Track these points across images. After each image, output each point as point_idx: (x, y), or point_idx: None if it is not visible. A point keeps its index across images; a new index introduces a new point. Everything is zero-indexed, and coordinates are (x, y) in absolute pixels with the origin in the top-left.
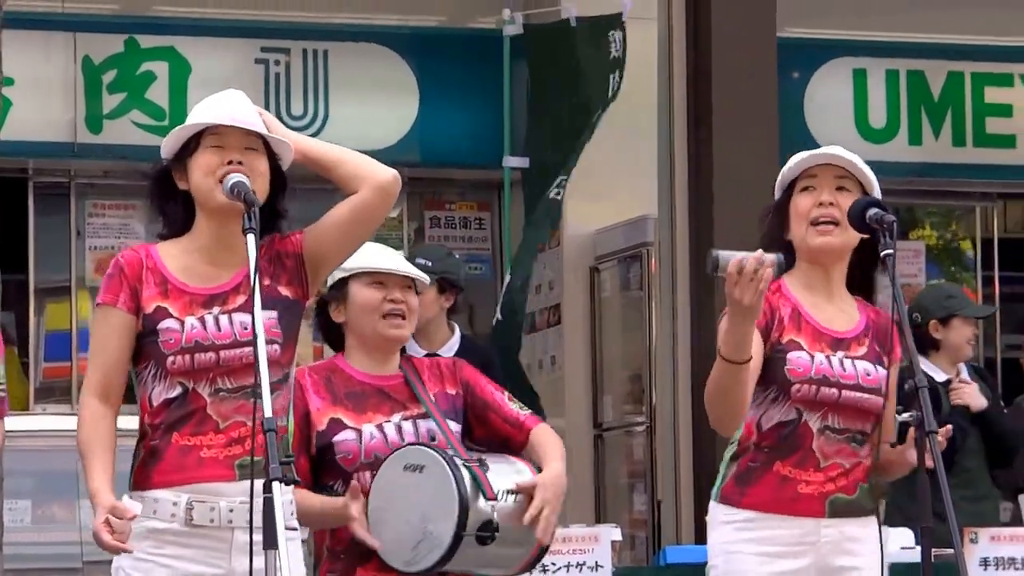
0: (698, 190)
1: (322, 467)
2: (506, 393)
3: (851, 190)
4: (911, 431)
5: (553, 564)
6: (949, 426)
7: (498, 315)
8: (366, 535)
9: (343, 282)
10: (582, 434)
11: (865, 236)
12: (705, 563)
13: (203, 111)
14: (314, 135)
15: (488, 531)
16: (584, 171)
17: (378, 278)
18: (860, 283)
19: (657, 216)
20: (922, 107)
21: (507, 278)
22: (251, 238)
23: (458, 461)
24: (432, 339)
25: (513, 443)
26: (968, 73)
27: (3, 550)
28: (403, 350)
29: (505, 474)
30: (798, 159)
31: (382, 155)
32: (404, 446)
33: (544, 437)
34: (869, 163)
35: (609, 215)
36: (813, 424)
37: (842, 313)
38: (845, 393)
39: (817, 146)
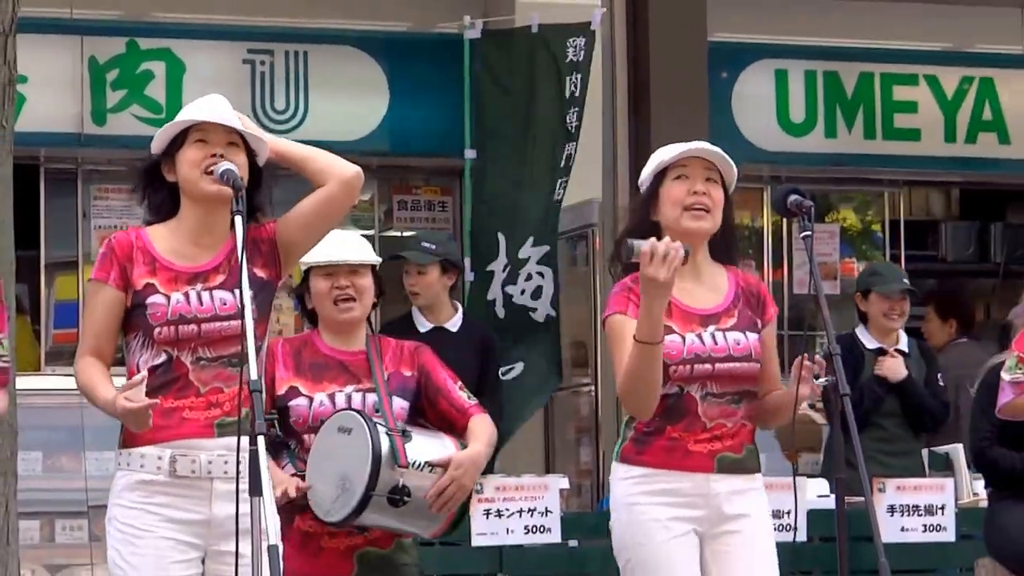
0: (638, 177)
1: (280, 427)
2: (458, 383)
3: (717, 181)
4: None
5: (507, 509)
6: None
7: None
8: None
9: (307, 274)
10: None
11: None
12: None
13: (189, 112)
14: (295, 127)
15: (398, 494)
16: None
17: (327, 269)
18: (724, 253)
19: (601, 200)
20: (837, 104)
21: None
22: (239, 219)
23: (380, 429)
24: (438, 315)
25: (456, 427)
26: (878, 73)
27: (17, 496)
28: (408, 327)
29: (428, 447)
30: (673, 150)
31: (355, 145)
32: (341, 410)
33: (479, 424)
34: (789, 153)
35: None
36: (695, 393)
37: (710, 291)
38: (718, 365)
39: (742, 137)
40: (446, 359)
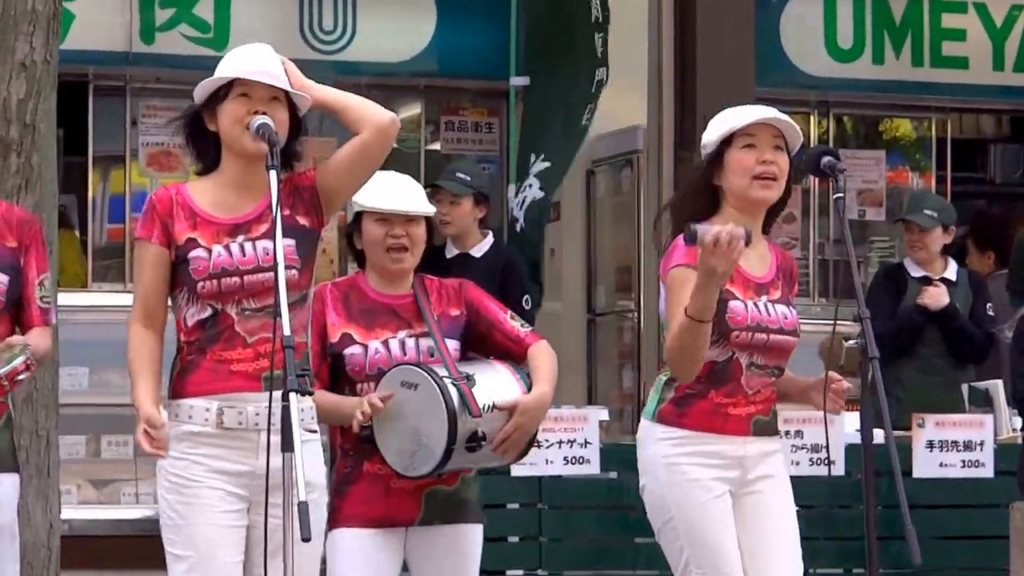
0: (683, 104)
1: (334, 375)
2: (508, 312)
3: (783, 149)
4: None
5: (547, 441)
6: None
7: (521, 223)
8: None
9: (359, 215)
10: (577, 319)
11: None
12: None
13: (233, 63)
14: (343, 48)
15: (475, 441)
16: None
17: (383, 215)
18: (769, 219)
19: (645, 126)
20: (885, 30)
21: (515, 187)
22: (273, 175)
23: (447, 380)
24: (466, 243)
25: (513, 358)
26: (927, 0)
27: (59, 412)
28: (437, 255)
29: (492, 386)
30: (743, 117)
31: (402, 66)
32: (400, 365)
33: (539, 356)
34: (837, 79)
35: (605, 124)
36: (743, 361)
37: (761, 259)
38: (773, 337)
39: (790, 63)
40: None
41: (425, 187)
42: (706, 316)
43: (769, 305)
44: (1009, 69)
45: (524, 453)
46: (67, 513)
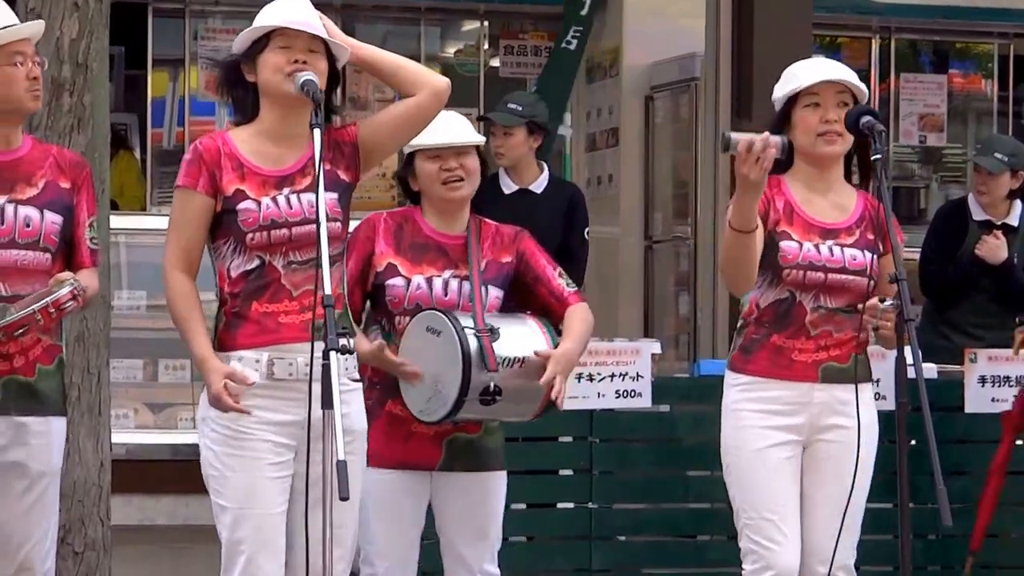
0: (739, 33)
1: (374, 303)
2: (557, 269)
3: (849, 104)
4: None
5: (599, 374)
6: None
7: None
8: (409, 369)
9: (411, 157)
10: (635, 244)
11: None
12: None
13: (272, 14)
14: None
15: (489, 395)
16: (644, 10)
17: (434, 151)
18: (859, 169)
19: (704, 54)
20: None
21: None
22: (317, 132)
23: (469, 331)
24: (523, 176)
25: (553, 314)
26: None
27: (112, 335)
28: (495, 188)
29: (515, 339)
30: (804, 78)
31: None
32: (429, 310)
33: (576, 316)
34: (898, 5)
35: (663, 50)
36: (807, 303)
37: (836, 207)
38: (831, 276)
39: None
40: (532, 220)
41: (478, 118)
42: (746, 225)
43: (835, 247)
44: None
45: (545, 410)
46: (124, 437)
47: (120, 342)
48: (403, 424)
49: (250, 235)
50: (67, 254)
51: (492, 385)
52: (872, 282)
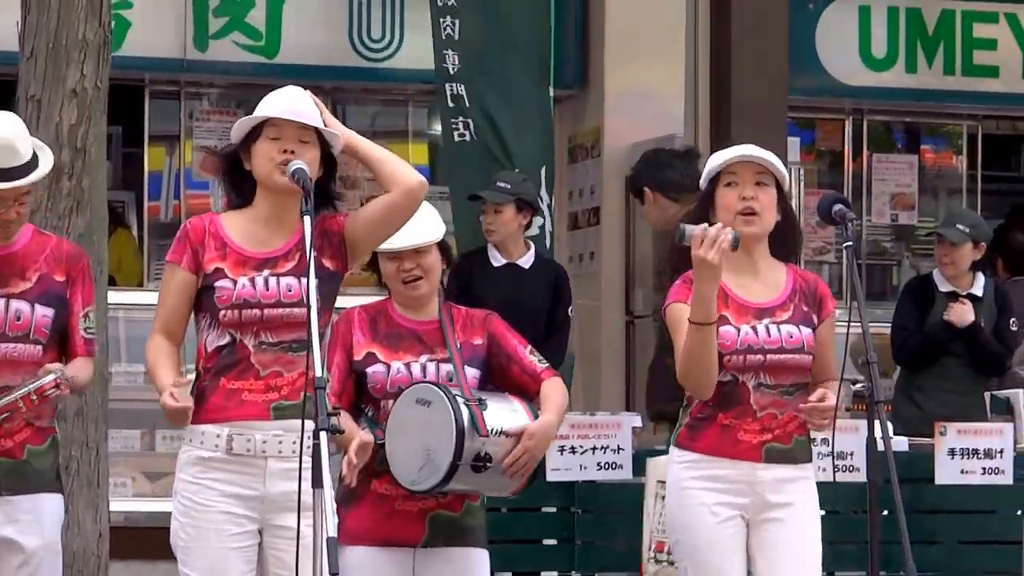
0: (718, 114)
1: (358, 392)
2: (528, 347)
3: (768, 184)
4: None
5: (581, 447)
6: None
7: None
8: (349, 475)
9: (375, 256)
10: (616, 320)
11: (778, 219)
12: None
13: (267, 105)
14: (390, 56)
15: (480, 461)
16: (625, 92)
17: (391, 253)
18: (783, 248)
19: (682, 135)
20: (918, 40)
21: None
22: (307, 220)
23: (460, 400)
24: (511, 251)
25: (528, 392)
26: (959, 11)
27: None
28: (483, 258)
29: (502, 413)
30: (720, 157)
31: None
32: (418, 383)
33: (551, 390)
34: (870, 88)
35: (644, 131)
36: (749, 383)
37: (766, 286)
38: (770, 356)
39: (825, 71)
40: (519, 295)
41: (468, 197)
42: (707, 318)
43: (772, 326)
44: None
45: (528, 484)
46: (121, 505)
47: (118, 413)
48: (387, 502)
49: (223, 312)
50: (60, 344)
51: (483, 452)
52: (811, 356)
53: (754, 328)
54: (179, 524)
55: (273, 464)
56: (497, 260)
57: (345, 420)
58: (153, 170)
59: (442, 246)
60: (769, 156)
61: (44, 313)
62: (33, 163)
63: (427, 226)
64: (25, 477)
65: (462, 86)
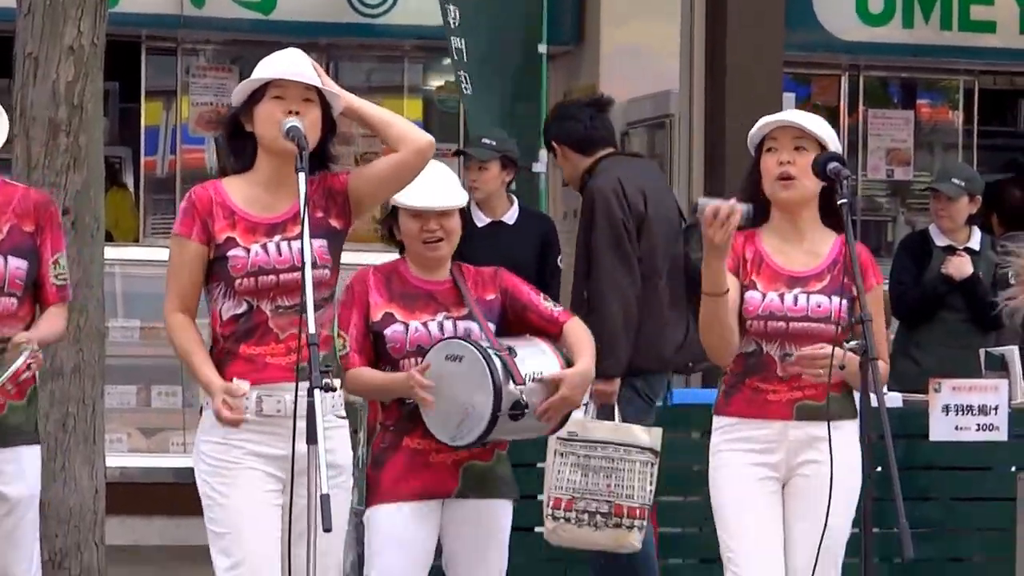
0: (714, 70)
1: (377, 353)
2: (541, 294)
3: (808, 148)
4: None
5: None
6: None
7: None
8: (427, 395)
9: (395, 209)
10: None
11: (824, 185)
12: (704, 404)
13: (267, 66)
14: (386, 12)
15: (519, 409)
16: (620, 49)
17: (416, 211)
18: (834, 216)
19: (678, 90)
20: None
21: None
22: (301, 176)
23: (491, 352)
24: (495, 209)
25: (548, 335)
26: None
27: (106, 363)
28: (466, 225)
29: (533, 358)
30: (761, 124)
31: (443, 31)
32: (445, 339)
33: (576, 332)
34: (867, 43)
35: (639, 87)
36: (774, 352)
37: (807, 254)
38: (793, 325)
39: (821, 27)
40: (506, 252)
41: (453, 153)
42: (716, 289)
43: (800, 296)
44: None
45: (562, 424)
46: (117, 461)
47: (115, 369)
48: (422, 455)
49: (238, 281)
50: (35, 295)
51: (522, 399)
52: (839, 327)
53: (781, 296)
54: (207, 484)
55: (301, 424)
56: (481, 220)
57: (374, 374)
58: (150, 125)
59: (463, 213)
60: (809, 121)
61: (17, 265)
62: None
63: (454, 189)
64: (6, 431)
65: (462, 40)
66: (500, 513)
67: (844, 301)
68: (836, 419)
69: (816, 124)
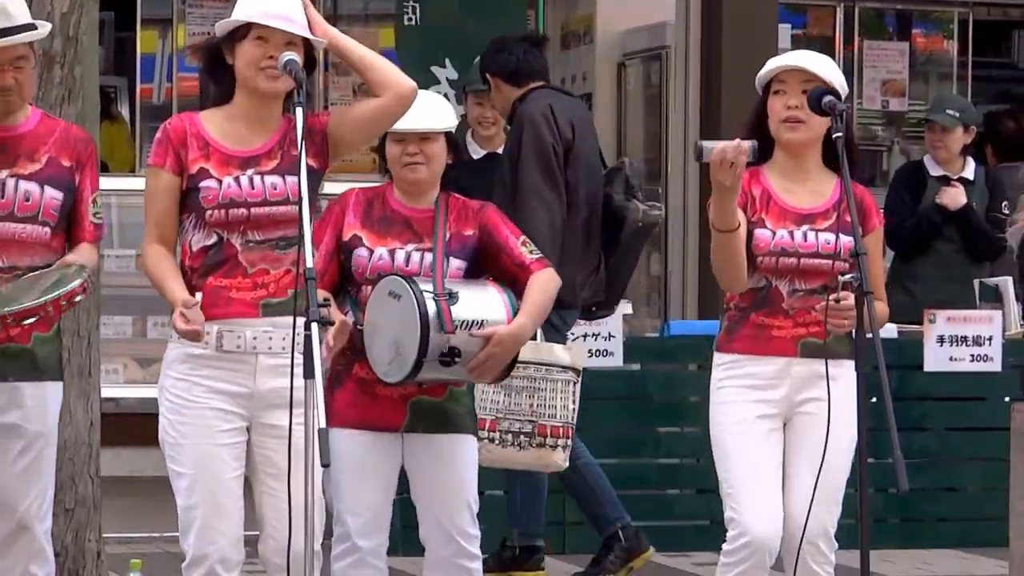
0: (709, 1)
1: (343, 273)
2: (521, 237)
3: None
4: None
5: (572, 334)
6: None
7: None
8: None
9: (384, 136)
10: None
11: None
12: (701, 335)
13: (252, 3)
14: None
15: (448, 356)
16: None
17: (399, 135)
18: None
19: (674, 22)
20: None
21: None
22: (299, 111)
23: (428, 295)
24: (492, 140)
25: (518, 283)
26: None
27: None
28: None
29: (477, 303)
30: (770, 65)
31: None
32: (391, 275)
33: (534, 285)
34: None
35: (635, 18)
36: (783, 288)
37: (812, 193)
38: (804, 261)
39: None
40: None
41: (463, 89)
42: (728, 225)
43: (810, 232)
44: None
45: (503, 377)
46: (113, 392)
47: (110, 299)
48: (369, 386)
49: (209, 212)
50: (67, 228)
51: (449, 346)
52: (846, 263)
53: (791, 233)
54: (167, 421)
55: (264, 360)
56: (476, 152)
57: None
58: (146, 52)
59: (452, 141)
60: (817, 65)
61: (53, 195)
62: (28, 29)
63: (437, 114)
64: (31, 364)
65: None
66: (459, 447)
67: (851, 239)
68: (838, 357)
69: (825, 68)
